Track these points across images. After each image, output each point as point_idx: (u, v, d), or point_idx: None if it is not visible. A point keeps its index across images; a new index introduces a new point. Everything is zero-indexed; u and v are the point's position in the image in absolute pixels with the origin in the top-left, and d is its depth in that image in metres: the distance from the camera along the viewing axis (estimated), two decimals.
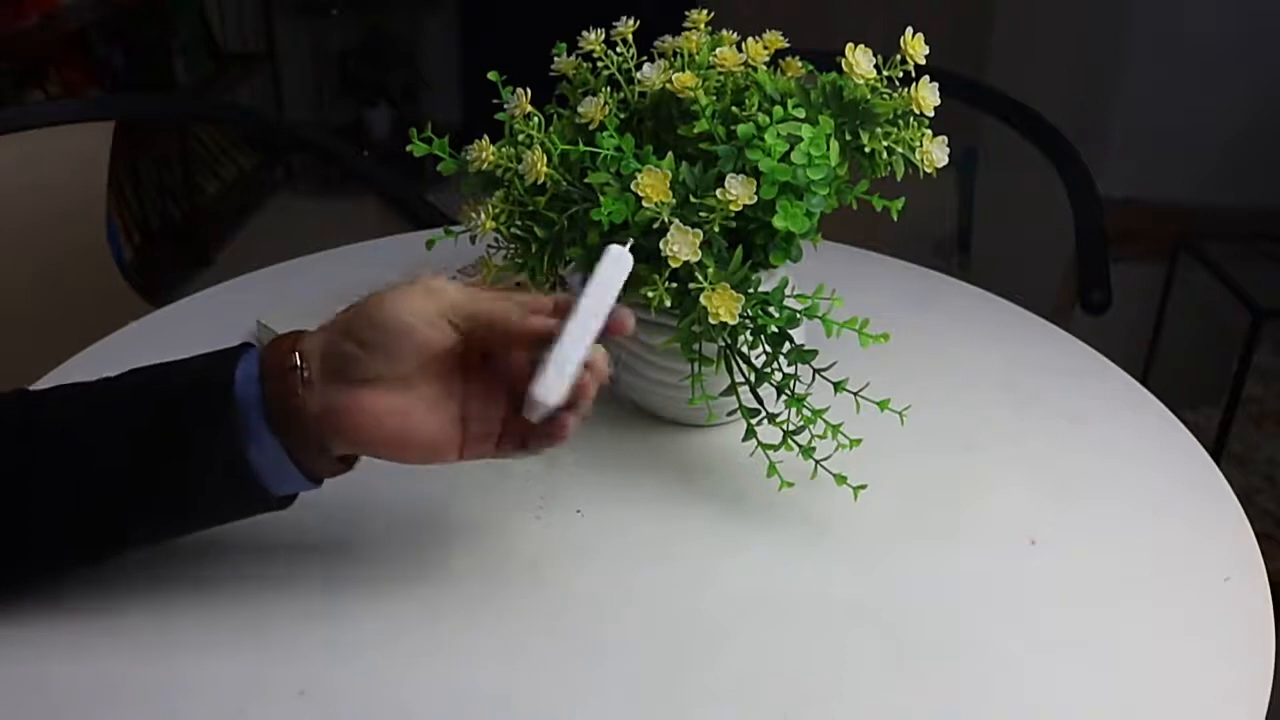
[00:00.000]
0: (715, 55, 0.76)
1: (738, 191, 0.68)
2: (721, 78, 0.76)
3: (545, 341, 0.58)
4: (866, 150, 0.74)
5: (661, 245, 0.68)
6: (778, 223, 0.70)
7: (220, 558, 0.67)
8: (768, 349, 0.72)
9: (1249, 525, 0.74)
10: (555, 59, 0.81)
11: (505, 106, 0.77)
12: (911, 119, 0.75)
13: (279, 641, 0.63)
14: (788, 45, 0.80)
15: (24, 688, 0.60)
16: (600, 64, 0.78)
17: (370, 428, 0.58)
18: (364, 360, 0.57)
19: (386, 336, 0.57)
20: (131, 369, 0.63)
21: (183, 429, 0.59)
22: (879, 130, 0.74)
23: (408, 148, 0.77)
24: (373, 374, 0.58)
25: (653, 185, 0.69)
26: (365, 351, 0.57)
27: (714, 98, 0.74)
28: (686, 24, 0.80)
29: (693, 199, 0.70)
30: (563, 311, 0.59)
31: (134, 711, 0.59)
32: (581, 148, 0.72)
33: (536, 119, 0.76)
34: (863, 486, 0.72)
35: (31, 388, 0.83)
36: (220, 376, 0.59)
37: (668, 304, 0.70)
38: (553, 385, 0.57)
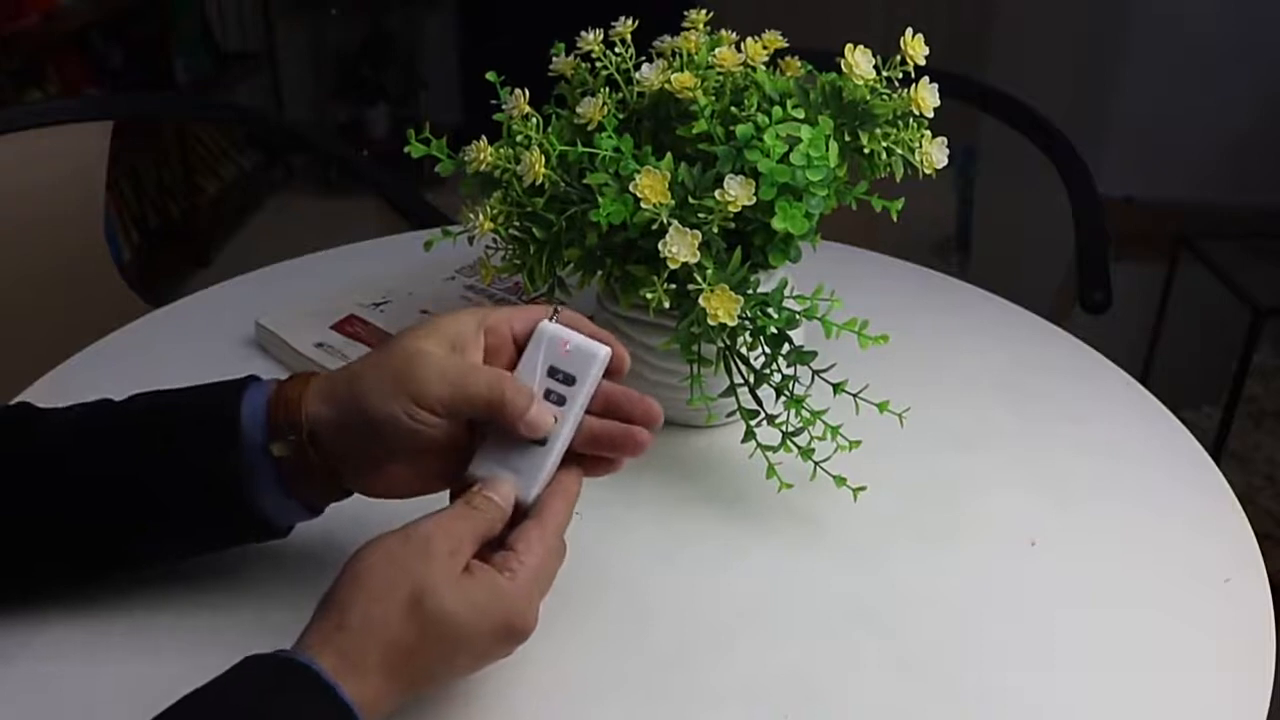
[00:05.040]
0: (714, 55, 0.76)
1: (736, 192, 0.68)
2: (720, 78, 0.75)
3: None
4: (866, 151, 0.74)
5: (660, 246, 0.68)
6: (777, 224, 0.70)
7: (220, 560, 0.67)
8: (767, 350, 0.72)
9: (1249, 525, 0.74)
10: (554, 59, 0.80)
11: (503, 107, 0.77)
12: (911, 120, 0.75)
13: (280, 642, 0.63)
14: (787, 45, 0.79)
15: (30, 690, 0.60)
16: (599, 64, 0.78)
17: (377, 488, 0.61)
18: (358, 447, 0.59)
19: (376, 429, 0.58)
20: (132, 395, 0.63)
21: (189, 465, 0.60)
22: (878, 131, 0.74)
23: (406, 148, 0.77)
24: (370, 454, 0.60)
25: (651, 186, 0.69)
26: (358, 440, 0.59)
27: (713, 98, 0.74)
28: (685, 24, 0.80)
29: (691, 200, 0.70)
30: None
31: (136, 711, 0.59)
32: (580, 148, 0.72)
33: (535, 119, 0.76)
34: (862, 488, 0.72)
35: (31, 387, 0.83)
36: (227, 410, 0.59)
37: (667, 305, 0.70)
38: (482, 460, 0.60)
